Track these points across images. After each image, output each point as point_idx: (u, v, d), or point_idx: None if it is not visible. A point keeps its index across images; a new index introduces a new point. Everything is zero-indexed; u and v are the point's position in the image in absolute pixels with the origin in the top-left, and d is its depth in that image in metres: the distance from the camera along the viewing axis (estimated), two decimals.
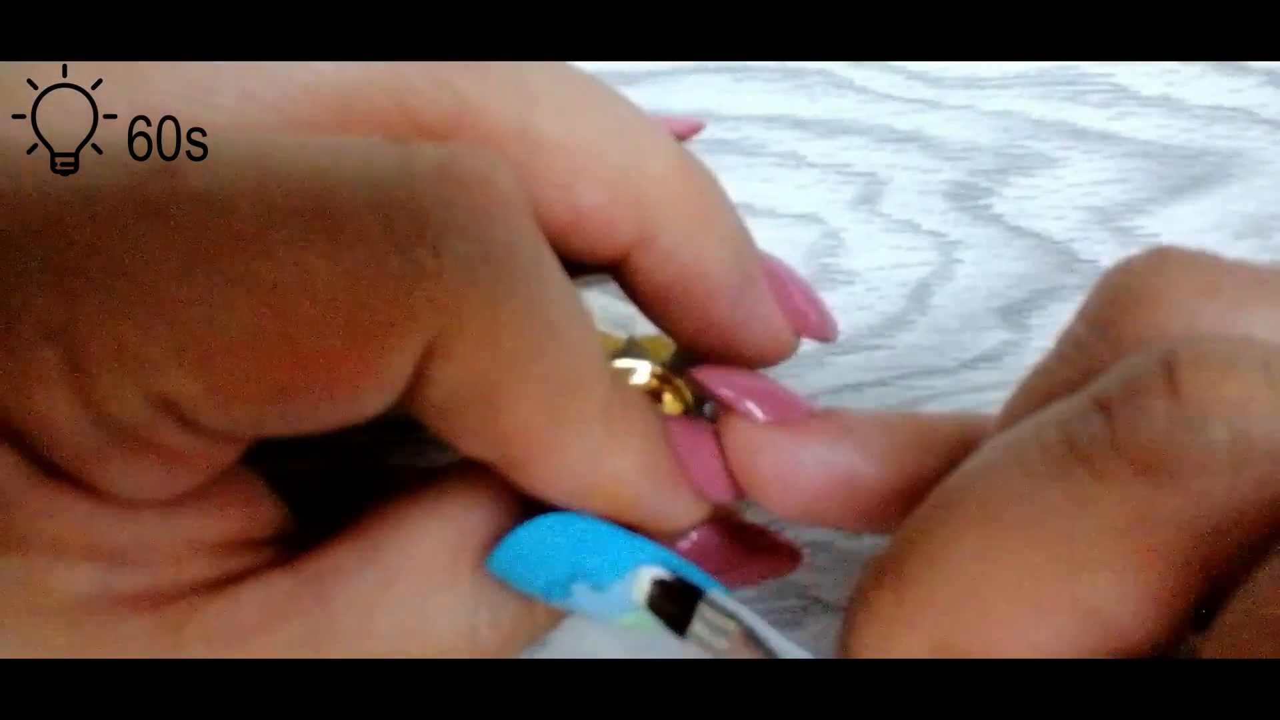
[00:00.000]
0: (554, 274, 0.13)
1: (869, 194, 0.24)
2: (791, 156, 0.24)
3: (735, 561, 0.17)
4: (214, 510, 0.14)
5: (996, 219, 0.24)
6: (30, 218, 0.11)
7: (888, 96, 0.24)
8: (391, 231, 0.11)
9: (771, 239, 0.24)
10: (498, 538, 0.14)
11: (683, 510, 0.15)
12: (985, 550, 0.12)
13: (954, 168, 0.24)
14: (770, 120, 0.24)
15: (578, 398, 0.13)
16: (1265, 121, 0.25)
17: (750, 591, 0.24)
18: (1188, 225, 0.25)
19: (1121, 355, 0.12)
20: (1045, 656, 0.12)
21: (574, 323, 0.13)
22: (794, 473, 0.15)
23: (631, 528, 0.15)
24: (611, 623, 0.15)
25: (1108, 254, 0.25)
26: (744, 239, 0.16)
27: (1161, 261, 0.13)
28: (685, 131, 0.20)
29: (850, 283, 0.24)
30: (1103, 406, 0.11)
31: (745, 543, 0.17)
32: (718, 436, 0.16)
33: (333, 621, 0.13)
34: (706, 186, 0.16)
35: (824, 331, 0.17)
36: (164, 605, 0.13)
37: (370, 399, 0.12)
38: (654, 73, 0.24)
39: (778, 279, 0.17)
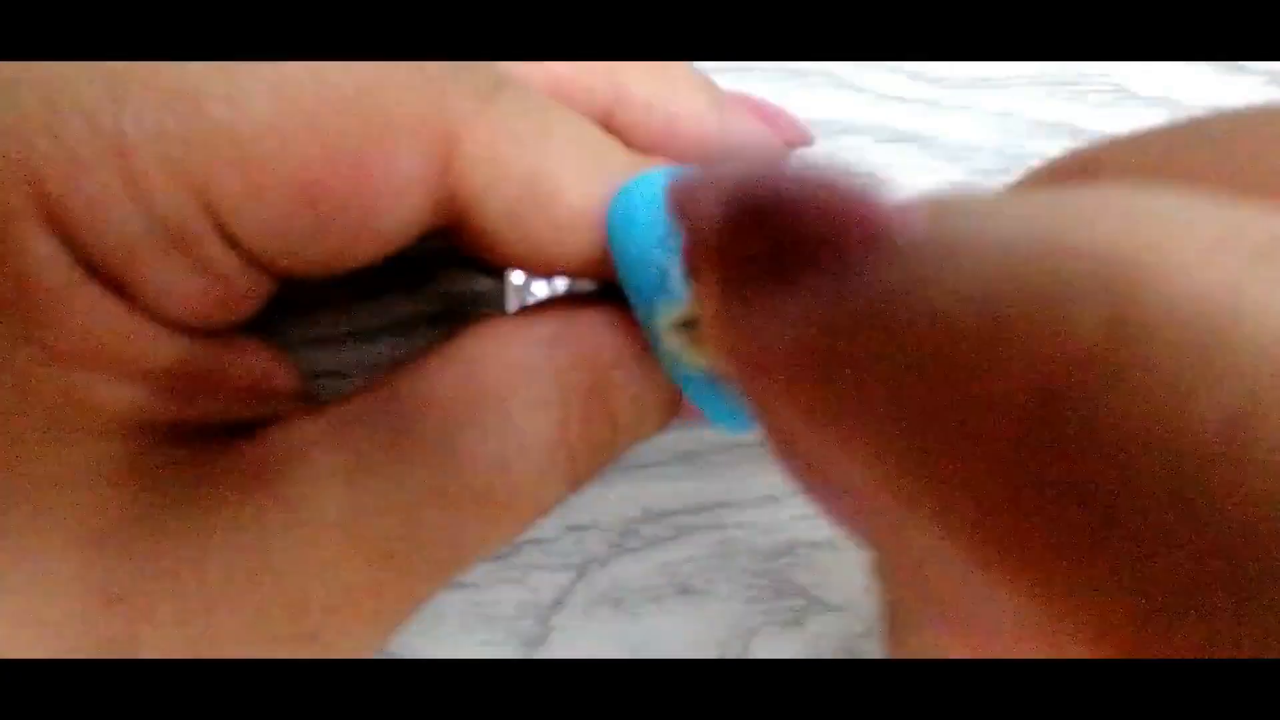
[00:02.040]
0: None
1: None
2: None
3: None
4: (240, 351, 0.14)
5: None
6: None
7: (888, 96, 0.24)
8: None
9: None
10: (510, 378, 0.15)
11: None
12: None
13: (954, 168, 0.24)
14: None
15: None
16: None
17: (751, 590, 0.24)
18: None
19: None
20: None
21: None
22: None
23: None
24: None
25: None
26: (706, 80, 0.18)
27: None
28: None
29: None
30: None
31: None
32: None
33: (360, 459, 0.14)
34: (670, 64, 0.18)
35: (799, 131, 0.19)
36: (196, 439, 0.14)
37: (395, 202, 0.13)
38: None
39: (748, 101, 0.19)
